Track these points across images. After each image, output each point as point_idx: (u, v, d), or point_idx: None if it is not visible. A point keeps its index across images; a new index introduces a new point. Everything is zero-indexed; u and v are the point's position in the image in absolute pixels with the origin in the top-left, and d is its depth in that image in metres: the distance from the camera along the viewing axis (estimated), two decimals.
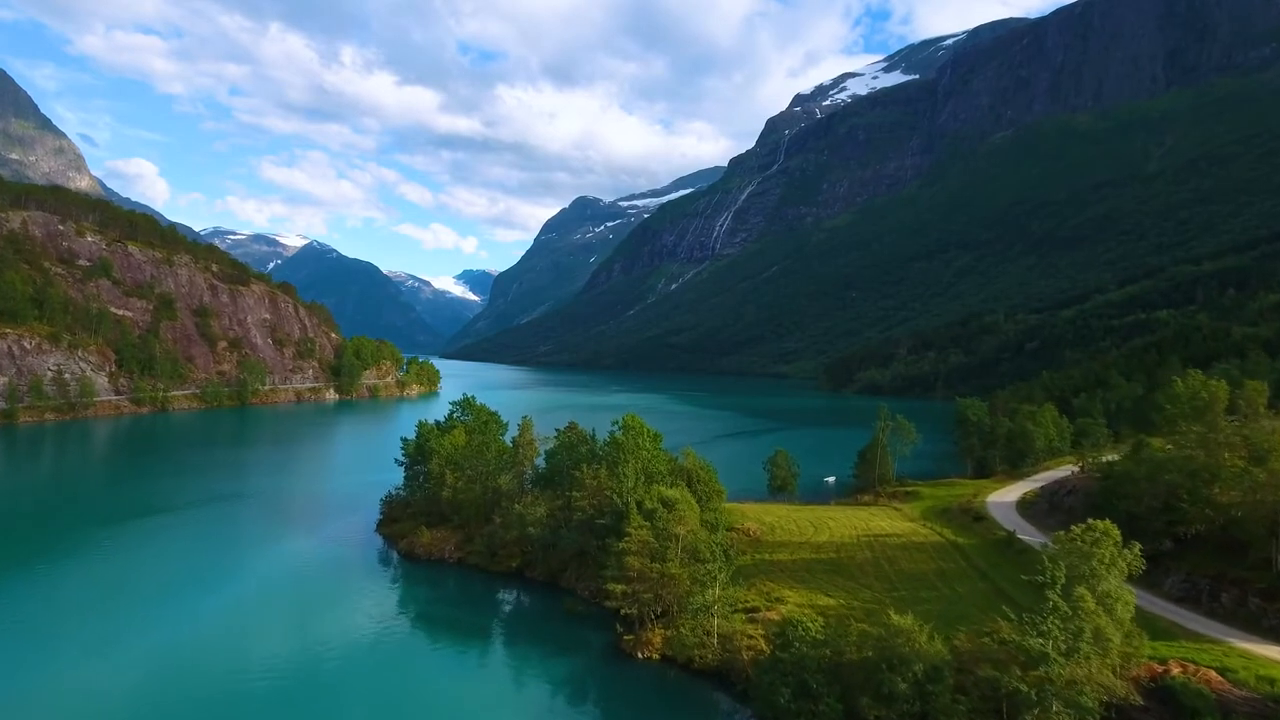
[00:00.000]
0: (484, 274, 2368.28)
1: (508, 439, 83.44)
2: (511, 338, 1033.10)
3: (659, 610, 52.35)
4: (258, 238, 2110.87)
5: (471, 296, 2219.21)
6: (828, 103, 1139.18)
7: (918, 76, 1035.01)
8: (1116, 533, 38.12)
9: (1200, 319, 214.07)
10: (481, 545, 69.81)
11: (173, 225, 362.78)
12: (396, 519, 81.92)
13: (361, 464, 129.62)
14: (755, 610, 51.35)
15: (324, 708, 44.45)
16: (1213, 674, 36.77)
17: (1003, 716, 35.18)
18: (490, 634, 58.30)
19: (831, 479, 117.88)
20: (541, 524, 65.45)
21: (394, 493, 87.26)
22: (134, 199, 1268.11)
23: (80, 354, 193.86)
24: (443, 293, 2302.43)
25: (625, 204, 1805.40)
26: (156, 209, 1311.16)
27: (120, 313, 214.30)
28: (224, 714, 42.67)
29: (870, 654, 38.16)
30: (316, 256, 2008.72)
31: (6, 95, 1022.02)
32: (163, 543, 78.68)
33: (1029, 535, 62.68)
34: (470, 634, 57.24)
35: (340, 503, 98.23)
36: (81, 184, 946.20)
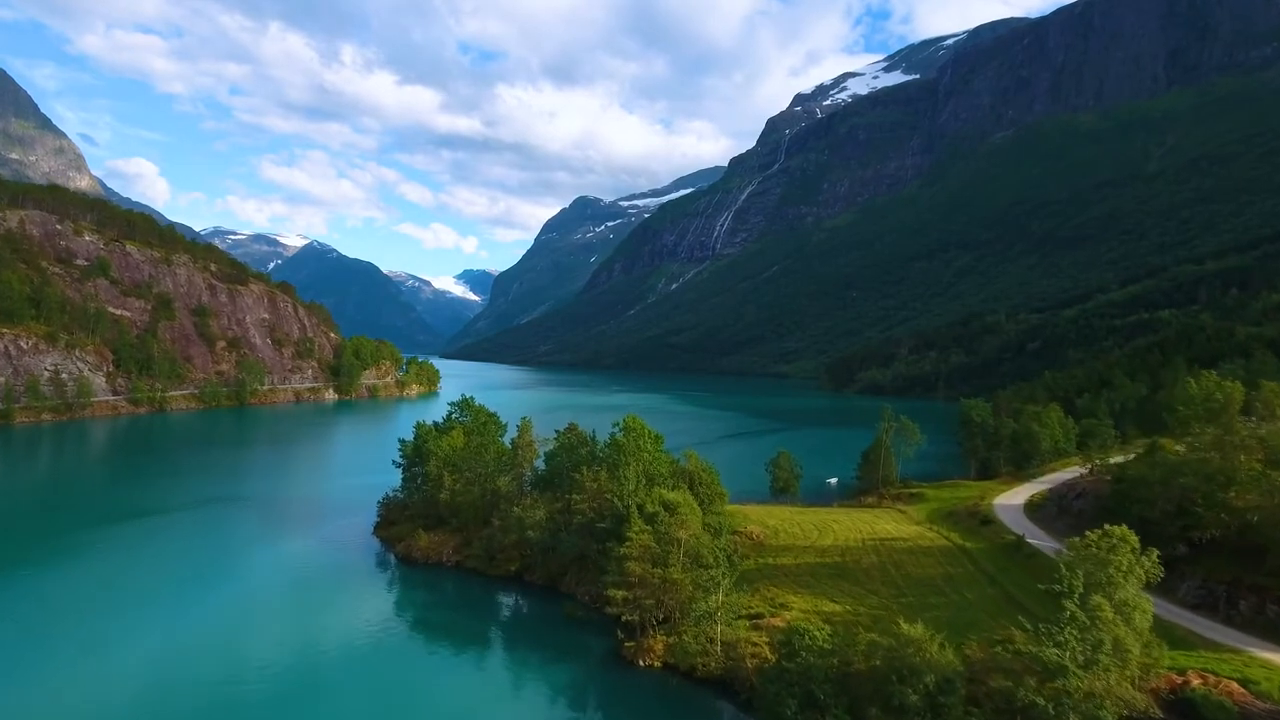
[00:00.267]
0: (484, 274, 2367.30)
1: (507, 440, 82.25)
2: (512, 338, 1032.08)
3: (661, 616, 51.20)
4: (258, 237, 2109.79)
5: (472, 296, 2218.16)
6: (828, 102, 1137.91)
7: (918, 76, 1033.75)
8: (1134, 539, 36.94)
9: (1203, 319, 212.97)
10: (480, 549, 68.64)
11: (171, 225, 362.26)
12: (394, 521, 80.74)
13: (359, 465, 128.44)
14: (759, 617, 50.14)
15: (319, 714, 43.51)
16: (1234, 686, 35.58)
17: None
18: (489, 640, 57.16)
19: (834, 480, 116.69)
20: (541, 527, 64.26)
21: (391, 495, 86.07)
22: (134, 199, 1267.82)
23: (77, 354, 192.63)
24: (443, 293, 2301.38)
25: (626, 204, 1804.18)
26: (157, 209, 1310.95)
27: (118, 312, 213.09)
28: None
29: (879, 663, 36.99)
30: (317, 256, 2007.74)
31: (6, 95, 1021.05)
32: (157, 545, 77.68)
33: (1038, 539, 61.49)
34: (468, 640, 56.11)
35: (337, 504, 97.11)
36: (82, 184, 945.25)
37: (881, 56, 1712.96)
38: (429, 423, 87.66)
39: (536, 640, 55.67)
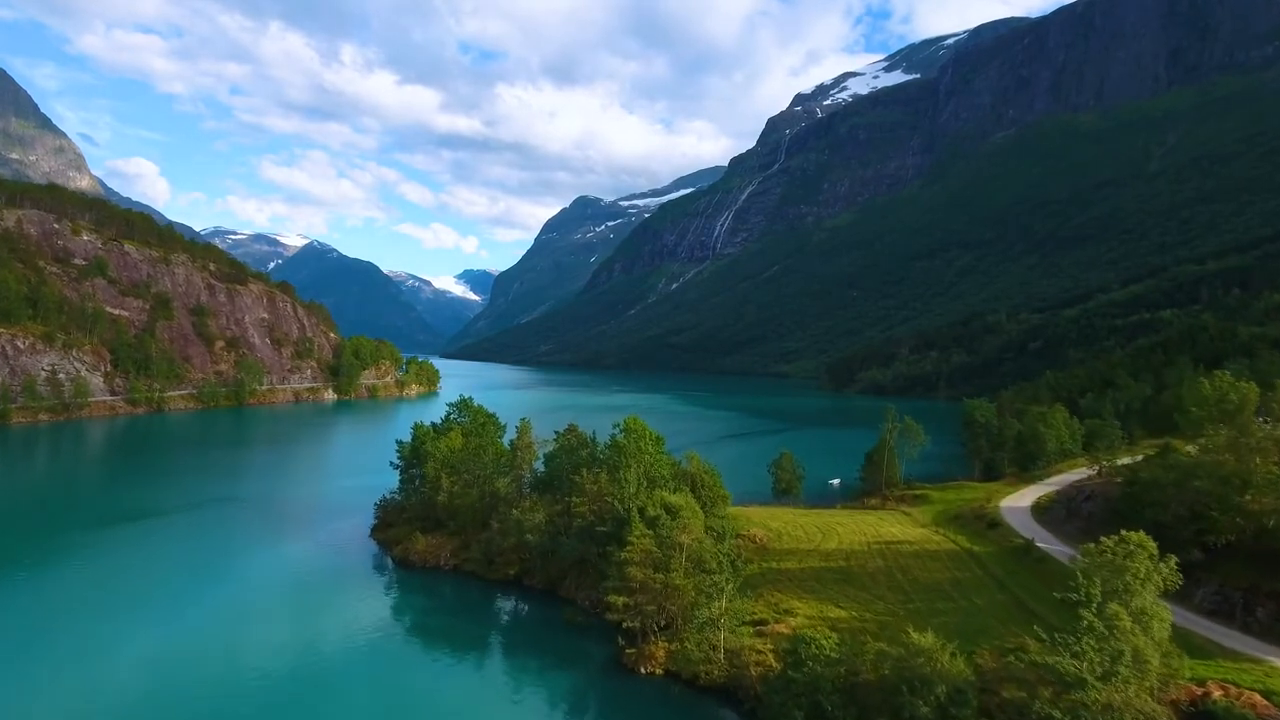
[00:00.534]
0: (484, 274, 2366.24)
1: (506, 441, 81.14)
2: (512, 337, 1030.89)
3: (662, 622, 50.10)
4: (258, 237, 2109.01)
5: (472, 296, 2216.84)
6: (829, 102, 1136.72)
7: (919, 76, 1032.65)
8: (1152, 545, 35.85)
9: (1206, 319, 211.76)
10: (478, 552, 67.51)
11: (170, 224, 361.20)
12: (391, 524, 79.61)
13: (358, 466, 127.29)
14: (763, 623, 49.00)
15: None
16: (1257, 697, 34.45)
17: None
18: (487, 645, 56.04)
19: (837, 481, 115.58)
20: (540, 531, 63.12)
21: (388, 496, 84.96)
22: (135, 199, 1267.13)
23: (75, 354, 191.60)
24: (443, 292, 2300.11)
25: (626, 203, 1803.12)
26: (157, 209, 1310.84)
27: (116, 312, 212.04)
28: None
29: (889, 673, 35.90)
30: (317, 256, 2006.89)
31: (7, 95, 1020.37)
32: (153, 547, 76.77)
33: (1047, 543, 60.33)
34: (466, 645, 55.02)
35: (335, 506, 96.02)
36: (82, 183, 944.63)
37: (882, 56, 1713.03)
38: (427, 424, 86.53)
39: (535, 646, 54.56)
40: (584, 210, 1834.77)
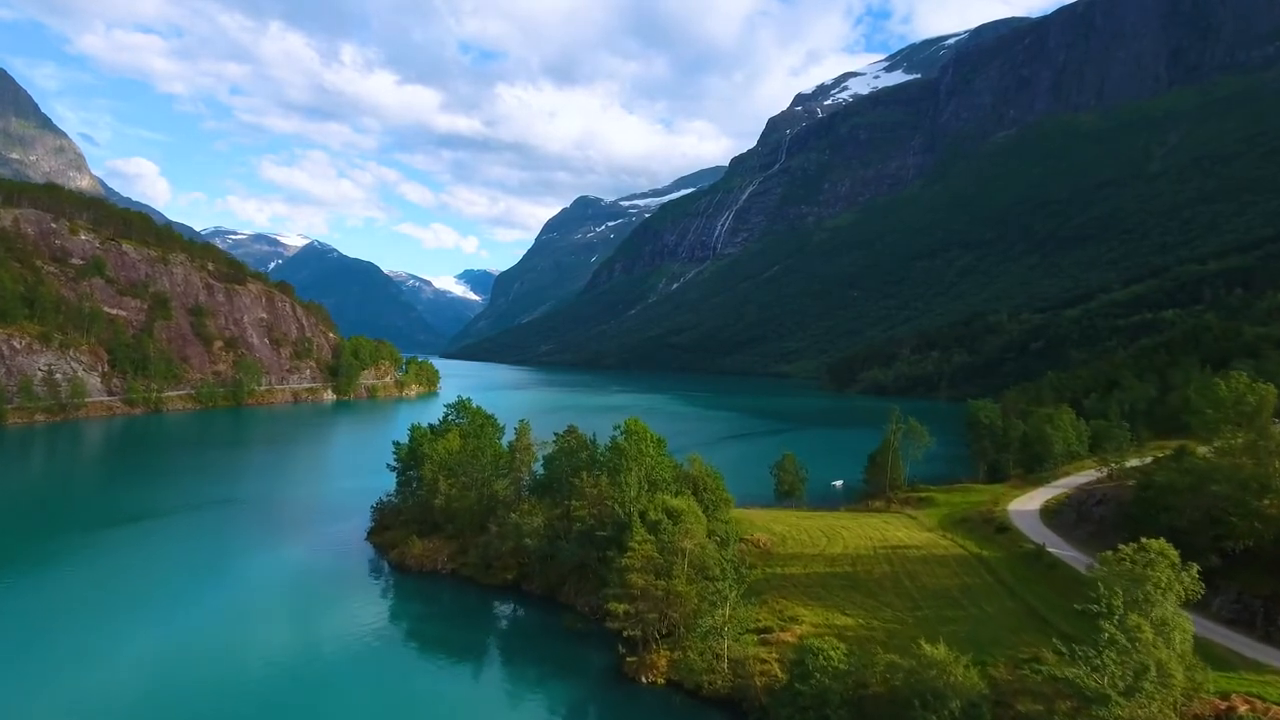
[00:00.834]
0: (485, 274, 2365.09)
1: (505, 443, 79.82)
2: (512, 337, 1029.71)
3: (664, 630, 48.83)
4: (259, 237, 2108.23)
5: (472, 296, 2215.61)
6: (829, 102, 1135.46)
7: (919, 76, 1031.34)
8: (1174, 553, 34.58)
9: (1209, 319, 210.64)
10: (476, 556, 66.22)
11: (169, 224, 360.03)
12: (388, 527, 78.34)
13: (356, 467, 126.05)
14: (768, 631, 47.70)
15: None
16: None
17: None
18: (485, 653, 54.81)
19: (839, 483, 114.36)
20: (539, 535, 61.80)
21: (385, 499, 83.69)
22: (135, 199, 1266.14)
23: (72, 354, 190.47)
24: (444, 292, 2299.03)
25: (626, 203, 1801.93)
26: (158, 209, 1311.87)
27: (114, 312, 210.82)
28: None
29: (899, 685, 34.64)
30: (318, 256, 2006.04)
31: (7, 95, 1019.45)
32: (146, 550, 75.76)
33: (1058, 548, 58.94)
34: (463, 652, 53.80)
35: (332, 508, 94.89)
36: (82, 183, 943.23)
37: (882, 56, 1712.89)
38: (424, 425, 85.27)
39: (534, 654, 53.32)
40: (584, 210, 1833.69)
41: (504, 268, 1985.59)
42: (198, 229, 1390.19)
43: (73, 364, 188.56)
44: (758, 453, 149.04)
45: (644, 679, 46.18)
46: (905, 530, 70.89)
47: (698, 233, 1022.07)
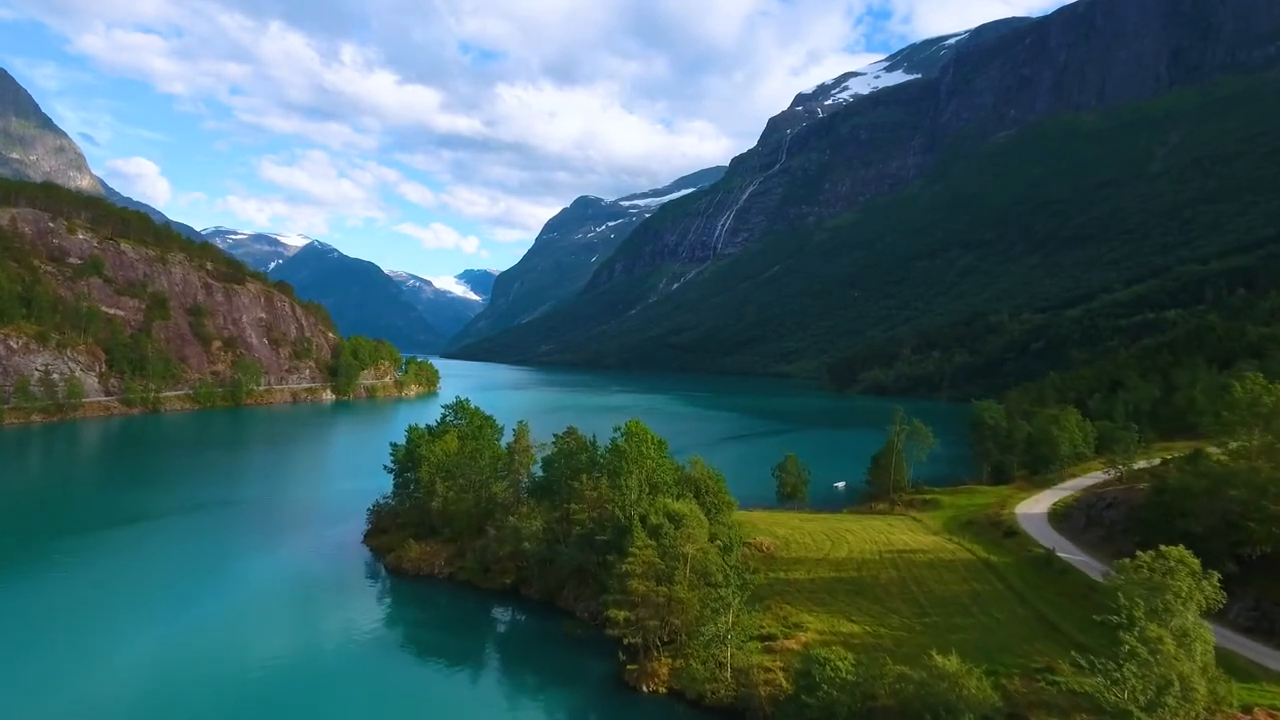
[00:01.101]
0: (485, 273, 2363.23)
1: (504, 444, 78.61)
2: (512, 337, 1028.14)
3: (665, 637, 47.67)
4: (259, 237, 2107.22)
5: (473, 296, 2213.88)
6: (829, 102, 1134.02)
7: (920, 76, 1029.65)
8: (1194, 561, 33.45)
9: (1212, 319, 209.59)
10: (473, 560, 65.01)
11: (168, 224, 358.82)
12: (384, 529, 77.16)
13: (354, 468, 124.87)
14: (772, 638, 46.51)
15: None
16: None
17: None
18: (482, 660, 53.61)
19: (842, 484, 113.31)
20: (538, 538, 60.59)
21: (382, 501, 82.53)
22: (135, 199, 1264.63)
23: (69, 354, 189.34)
24: (444, 292, 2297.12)
25: (626, 203, 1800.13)
26: (158, 209, 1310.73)
27: (111, 312, 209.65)
28: None
29: (910, 696, 33.49)
30: (318, 256, 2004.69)
31: (7, 94, 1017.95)
32: (141, 553, 74.76)
33: (1067, 552, 57.77)
34: (460, 659, 52.63)
35: (329, 510, 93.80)
36: (82, 183, 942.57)
37: (883, 56, 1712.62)
38: (422, 426, 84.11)
39: (533, 661, 52.16)
40: (584, 210, 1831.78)
41: (504, 268, 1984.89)
42: (198, 229, 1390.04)
43: (70, 364, 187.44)
44: (758, 453, 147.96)
45: (645, 688, 45.02)
46: (910, 533, 69.71)
47: (698, 233, 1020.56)
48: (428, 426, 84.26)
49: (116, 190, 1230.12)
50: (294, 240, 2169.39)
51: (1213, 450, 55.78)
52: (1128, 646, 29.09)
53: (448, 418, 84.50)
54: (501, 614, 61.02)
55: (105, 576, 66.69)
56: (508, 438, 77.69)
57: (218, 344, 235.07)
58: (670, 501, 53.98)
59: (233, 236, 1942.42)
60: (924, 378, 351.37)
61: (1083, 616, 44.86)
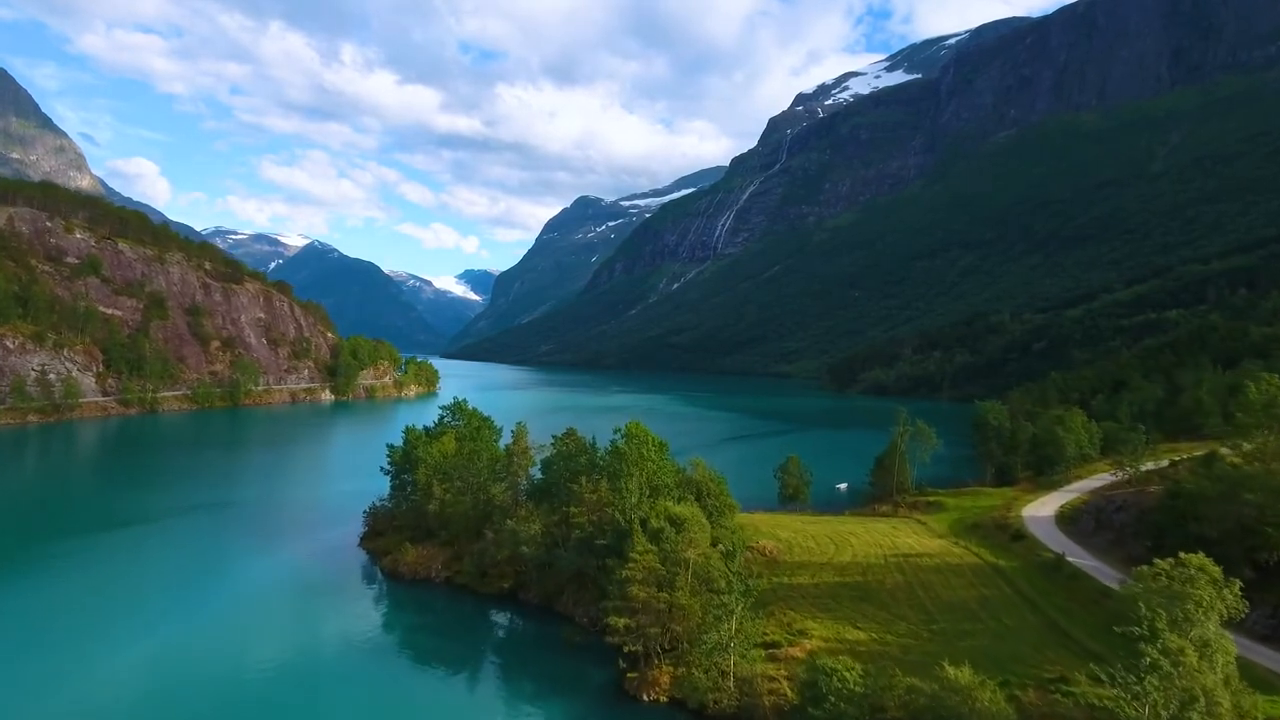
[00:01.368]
0: (485, 273, 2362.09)
1: (502, 445, 77.44)
2: (513, 337, 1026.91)
3: (666, 644, 46.54)
4: (259, 237, 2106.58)
5: (473, 296, 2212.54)
6: (830, 102, 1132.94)
7: (920, 75, 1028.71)
8: (1215, 569, 32.35)
9: (1214, 319, 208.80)
10: (471, 564, 63.86)
11: (167, 224, 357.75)
12: (381, 532, 76.04)
13: (352, 469, 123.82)
14: (776, 645, 45.40)
15: None
16: None
17: None
18: (479, 666, 52.50)
19: (844, 486, 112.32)
20: (536, 542, 59.42)
21: (378, 503, 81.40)
22: (135, 199, 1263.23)
23: (66, 353, 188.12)
24: (444, 292, 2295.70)
25: (627, 203, 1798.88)
26: (158, 209, 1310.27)
27: (109, 311, 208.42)
28: None
29: (920, 709, 32.37)
30: (318, 256, 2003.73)
31: (7, 94, 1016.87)
32: (133, 557, 73.76)
33: (1076, 557, 56.62)
34: (457, 665, 51.57)
35: (326, 512, 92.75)
36: (83, 183, 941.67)
37: (883, 56, 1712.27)
38: (419, 427, 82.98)
39: (531, 667, 51.04)
40: (585, 210, 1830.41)
41: (504, 268, 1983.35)
42: (198, 229, 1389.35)
43: (67, 364, 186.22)
44: (759, 454, 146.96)
45: (645, 696, 43.92)
46: (915, 537, 68.56)
47: (698, 233, 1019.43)
48: (425, 428, 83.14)
49: (117, 190, 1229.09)
50: (294, 240, 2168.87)
51: (1225, 452, 54.60)
52: (1149, 659, 27.98)
53: (445, 419, 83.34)
54: (499, 619, 59.91)
55: (101, 579, 65.87)
56: (506, 439, 76.59)
57: (216, 344, 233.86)
58: (671, 505, 52.90)
59: (233, 236, 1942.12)
60: (925, 378, 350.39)
61: (1095, 624, 43.82)
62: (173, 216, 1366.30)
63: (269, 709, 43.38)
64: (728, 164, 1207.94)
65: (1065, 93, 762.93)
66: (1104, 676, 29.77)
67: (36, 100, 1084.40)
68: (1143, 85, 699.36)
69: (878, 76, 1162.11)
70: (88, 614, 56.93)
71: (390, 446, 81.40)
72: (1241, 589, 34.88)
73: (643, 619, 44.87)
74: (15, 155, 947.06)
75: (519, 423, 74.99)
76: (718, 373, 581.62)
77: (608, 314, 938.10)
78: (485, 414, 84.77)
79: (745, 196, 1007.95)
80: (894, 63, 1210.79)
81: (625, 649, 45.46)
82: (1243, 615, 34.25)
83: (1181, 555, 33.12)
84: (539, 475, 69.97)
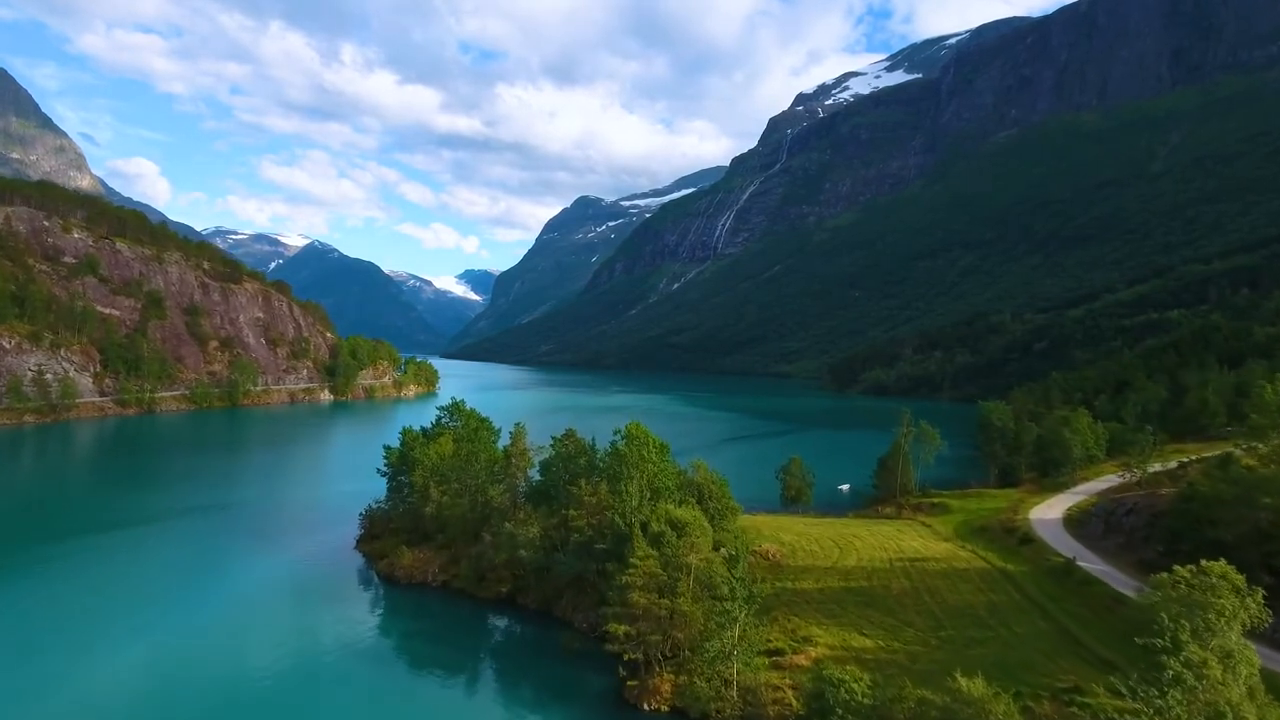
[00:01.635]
0: (485, 273, 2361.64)
1: (501, 446, 76.28)
2: (513, 337, 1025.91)
3: (668, 651, 45.41)
4: (259, 237, 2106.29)
5: (473, 296, 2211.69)
6: (830, 102, 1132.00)
7: (921, 75, 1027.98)
8: (1237, 577, 31.24)
9: (1217, 319, 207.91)
10: (468, 568, 62.69)
11: (165, 223, 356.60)
12: (377, 535, 74.88)
13: (352, 469, 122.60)
14: (780, 653, 44.27)
15: None
16: None
17: None
18: (476, 673, 51.35)
19: (846, 487, 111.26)
20: (534, 546, 58.26)
21: (375, 505, 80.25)
22: (136, 198, 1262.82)
23: (63, 353, 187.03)
24: (444, 292, 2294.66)
25: (627, 203, 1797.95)
26: (158, 209, 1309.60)
27: (107, 311, 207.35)
28: None
29: (932, 718, 31.23)
30: (318, 256, 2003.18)
31: (7, 94, 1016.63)
32: (127, 559, 72.78)
33: (1087, 561, 55.38)
34: (453, 672, 50.44)
35: (323, 513, 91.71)
36: (83, 183, 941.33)
37: (883, 56, 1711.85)
38: (416, 428, 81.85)
39: (529, 674, 49.92)
40: (585, 210, 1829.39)
41: (504, 268, 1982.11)
42: (198, 229, 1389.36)
43: (64, 364, 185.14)
44: (760, 455, 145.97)
45: (646, 705, 42.79)
46: (921, 540, 67.41)
47: (698, 233, 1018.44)
48: (422, 429, 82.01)
49: (117, 190, 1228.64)
50: (294, 240, 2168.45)
51: (1239, 454, 53.49)
52: (1172, 672, 26.86)
53: (443, 419, 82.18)
54: (496, 624, 58.77)
55: (96, 581, 65.12)
56: (505, 440, 75.46)
57: (214, 344, 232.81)
58: (672, 508, 51.80)
59: (233, 236, 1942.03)
60: (925, 378, 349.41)
61: (1108, 631, 42.76)
62: (173, 216, 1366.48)
63: (261, 717, 42.30)
64: (728, 164, 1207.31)
65: (1066, 93, 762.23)
66: (1124, 690, 28.67)
67: (36, 100, 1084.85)
68: (1143, 85, 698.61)
69: (878, 76, 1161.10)
70: (83, 616, 56.32)
71: (387, 448, 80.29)
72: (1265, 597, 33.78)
73: (643, 626, 43.74)
74: (15, 155, 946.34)
75: (517, 423, 73.85)
76: (718, 373, 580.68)
77: (608, 314, 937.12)
78: (483, 415, 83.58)
79: (745, 196, 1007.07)
80: (894, 63, 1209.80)
81: (625, 657, 44.34)
82: (1266, 624, 33.15)
83: (1203, 563, 32.01)
84: (538, 477, 68.87)
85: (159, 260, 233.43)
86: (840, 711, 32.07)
